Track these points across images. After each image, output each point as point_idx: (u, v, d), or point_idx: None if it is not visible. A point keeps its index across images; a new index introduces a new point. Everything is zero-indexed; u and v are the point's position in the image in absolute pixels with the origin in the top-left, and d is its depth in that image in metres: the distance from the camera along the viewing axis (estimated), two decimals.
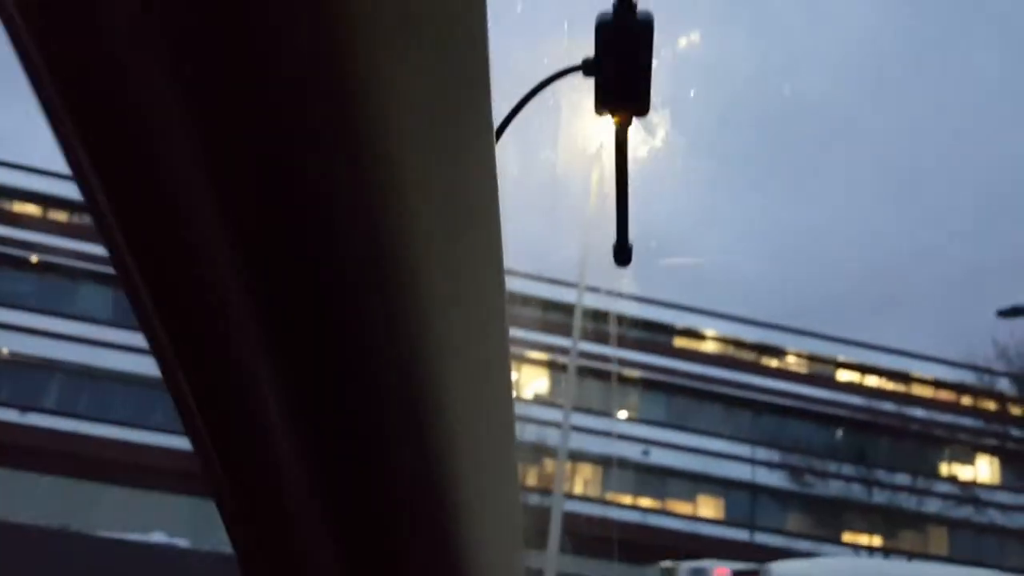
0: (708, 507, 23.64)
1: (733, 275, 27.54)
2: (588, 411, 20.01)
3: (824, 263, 28.72)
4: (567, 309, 14.60)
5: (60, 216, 20.80)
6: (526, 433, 15.79)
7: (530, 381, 21.56)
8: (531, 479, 16.73)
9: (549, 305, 17.14)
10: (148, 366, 0.41)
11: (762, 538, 22.04)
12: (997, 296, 21.38)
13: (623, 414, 23.68)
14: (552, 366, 19.86)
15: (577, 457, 18.95)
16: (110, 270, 0.39)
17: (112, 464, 17.91)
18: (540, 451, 15.68)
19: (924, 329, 27.40)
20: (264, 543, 0.48)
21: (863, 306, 28.73)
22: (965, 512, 22.39)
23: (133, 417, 19.43)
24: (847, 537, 23.01)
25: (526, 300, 17.38)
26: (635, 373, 23.21)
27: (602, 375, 21.95)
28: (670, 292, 22.83)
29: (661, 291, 22.47)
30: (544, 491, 14.21)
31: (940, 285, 27.38)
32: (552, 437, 14.48)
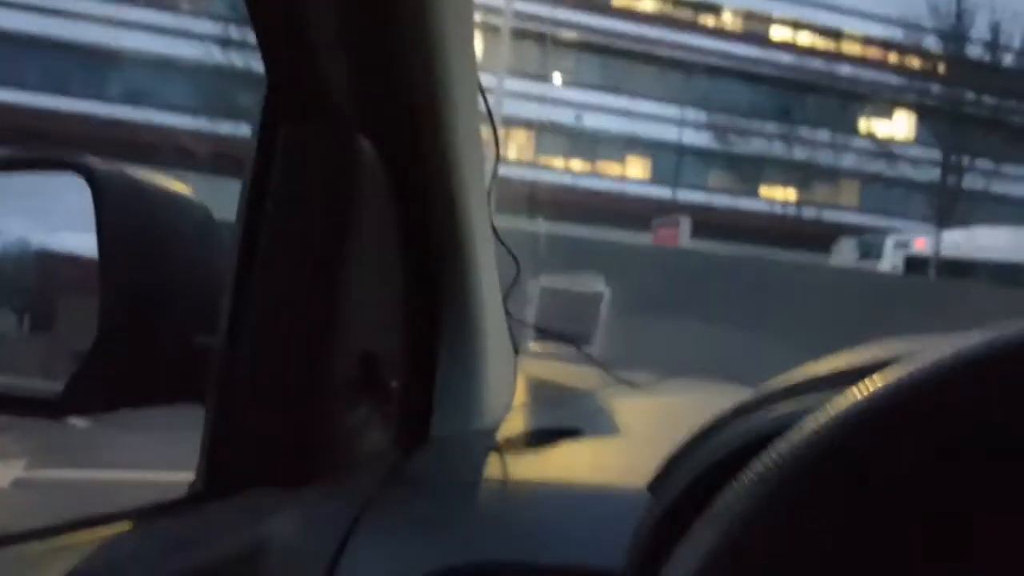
0: (636, 168, 24.53)
1: None
2: (522, 75, 19.77)
3: None
4: None
5: None
6: None
7: None
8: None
9: None
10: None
11: (684, 195, 23.26)
12: None
13: (557, 78, 23.49)
14: (485, 28, 19.19)
15: (511, 123, 19.05)
16: None
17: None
18: None
19: None
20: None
21: None
22: (879, 167, 23.72)
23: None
24: (764, 192, 24.43)
25: None
26: (571, 35, 22.66)
27: (537, 37, 21.39)
28: None
29: None
30: None
31: None
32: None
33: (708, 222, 18.83)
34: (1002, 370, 0.29)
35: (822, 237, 20.72)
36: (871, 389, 0.30)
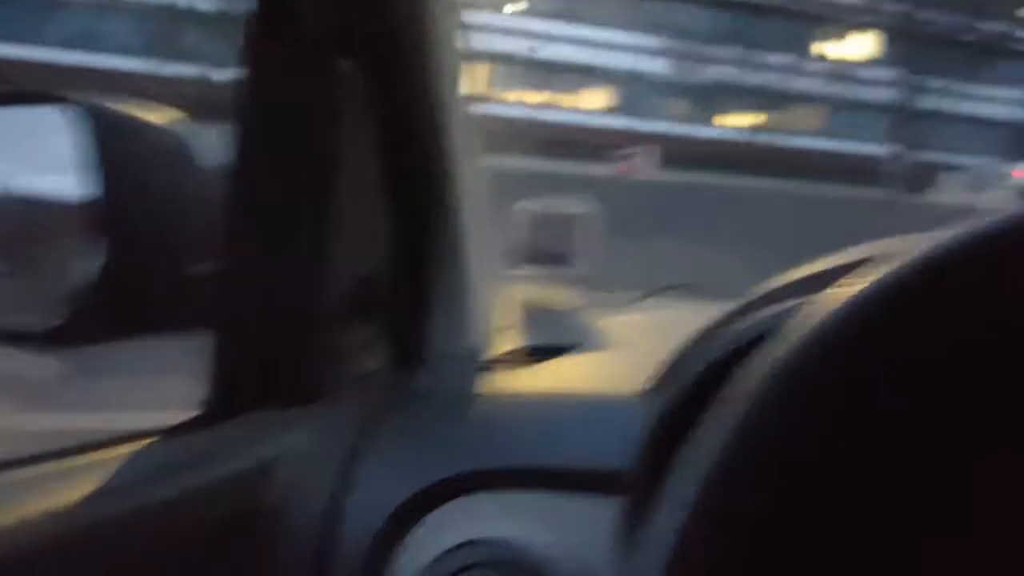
0: (594, 99, 24.34)
1: None
2: (475, 6, 19.34)
3: None
4: None
5: None
6: None
7: None
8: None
9: None
10: None
11: (645, 125, 23.17)
12: None
13: (510, 7, 23.06)
14: None
15: (465, 56, 18.72)
16: None
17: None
18: None
19: None
20: None
21: None
22: (834, 89, 23.77)
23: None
24: (730, 119, 24.43)
25: None
26: None
27: None
28: None
29: None
30: None
31: None
32: None
33: (671, 151, 18.83)
34: (997, 253, 0.30)
35: (789, 163, 20.85)
36: (882, 275, 0.31)
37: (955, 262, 0.30)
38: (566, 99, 23.92)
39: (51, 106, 0.66)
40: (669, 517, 0.28)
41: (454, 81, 0.72)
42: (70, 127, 0.63)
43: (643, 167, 16.66)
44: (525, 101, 23.09)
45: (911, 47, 21.80)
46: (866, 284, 0.31)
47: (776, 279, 0.53)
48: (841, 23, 24.15)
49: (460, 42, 0.75)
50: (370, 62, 0.63)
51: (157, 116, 0.73)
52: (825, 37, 24.76)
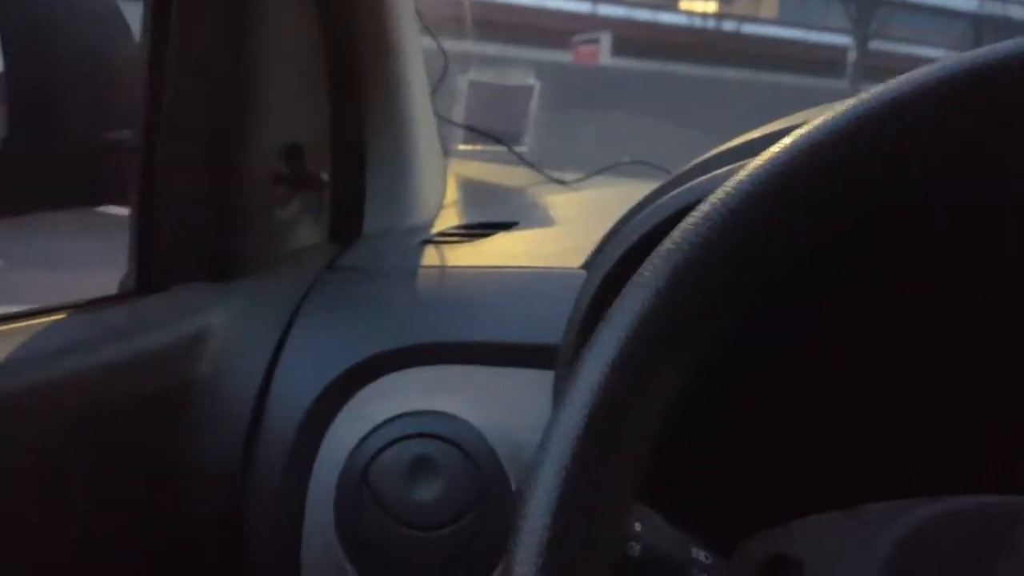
0: None
1: None
2: None
3: None
4: None
5: None
6: None
7: None
8: None
9: None
10: None
11: (604, 10, 22.62)
12: None
13: None
14: None
15: None
16: None
17: None
18: None
19: None
20: None
21: None
22: None
23: None
24: (684, 5, 23.92)
25: None
26: None
27: None
28: None
29: None
30: None
31: None
32: None
33: (630, 38, 18.46)
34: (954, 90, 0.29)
35: (743, 52, 20.61)
36: (813, 126, 0.29)
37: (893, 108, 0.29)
38: None
39: None
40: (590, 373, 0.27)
41: None
42: None
43: (599, 53, 16.35)
44: None
45: None
46: (817, 128, 0.29)
47: (719, 148, 0.52)
48: None
49: None
50: None
51: None
52: None
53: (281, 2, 0.61)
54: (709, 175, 0.46)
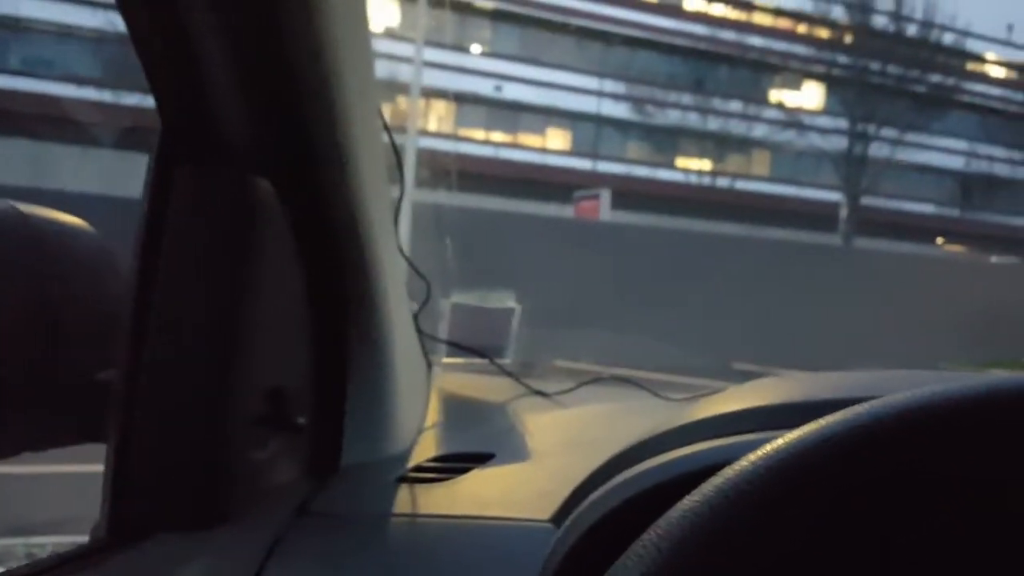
0: (556, 140, 24.60)
1: None
2: (440, 45, 19.53)
3: None
4: None
5: None
6: (378, 70, 15.41)
7: (379, 13, 20.50)
8: (385, 116, 16.62)
9: None
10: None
11: (605, 166, 23.46)
12: None
13: (476, 48, 23.30)
14: None
15: (430, 94, 18.87)
16: None
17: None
18: (393, 88, 15.46)
19: None
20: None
21: None
22: (789, 136, 24.34)
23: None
24: (680, 162, 24.83)
25: None
26: (487, 4, 22.49)
27: (454, 6, 21.12)
28: None
29: None
30: (399, 129, 14.29)
31: None
32: (404, 73, 14.26)
33: (628, 193, 19.07)
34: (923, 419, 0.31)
35: (737, 207, 21.22)
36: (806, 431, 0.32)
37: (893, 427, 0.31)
38: (530, 138, 24.13)
39: None
40: None
41: (379, 185, 0.72)
42: None
43: (599, 208, 16.82)
44: (490, 139, 23.26)
45: (862, 96, 22.44)
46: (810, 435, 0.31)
47: (701, 406, 0.54)
48: (793, 71, 24.78)
49: (384, 145, 0.75)
50: (287, 178, 0.63)
51: (60, 214, 0.72)
52: (777, 85, 25.38)
53: (270, 257, 0.64)
54: (673, 455, 0.48)
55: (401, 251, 0.80)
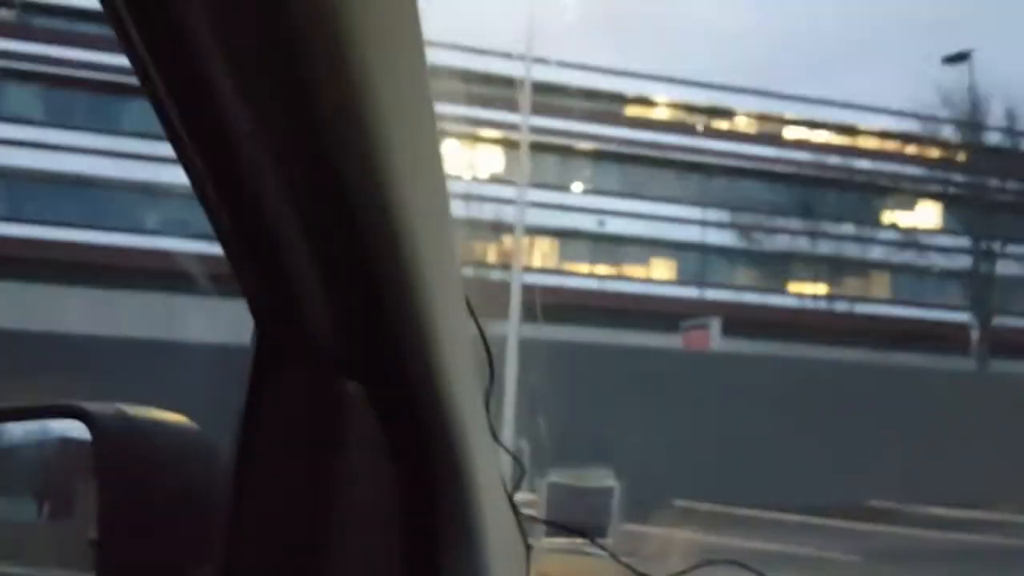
0: (661, 269, 24.62)
1: (676, 40, 26.90)
2: (543, 186, 20.17)
3: (766, 18, 28.09)
4: (516, 83, 14.33)
5: None
6: (484, 212, 15.99)
7: (484, 160, 21.50)
8: (491, 255, 17.14)
9: (497, 80, 16.73)
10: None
11: (712, 294, 23.19)
12: (943, 46, 21.37)
13: (578, 186, 23.94)
14: (506, 143, 19.72)
15: (535, 232, 19.37)
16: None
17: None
18: (499, 228, 15.97)
19: (871, 81, 27.42)
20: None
21: (809, 63, 28.47)
22: (907, 257, 23.56)
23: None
24: (792, 287, 24.29)
25: (468, 76, 16.88)
26: (588, 145, 23.21)
27: (555, 149, 21.93)
28: (616, 58, 22.38)
29: (608, 59, 22.03)
30: (504, 267, 14.65)
31: (885, 37, 27.03)
32: (509, 213, 14.73)
33: (738, 320, 18.69)
34: None
35: (858, 331, 20.42)
36: None
37: None
38: (635, 269, 24.25)
39: (66, 417, 0.69)
40: None
41: (468, 377, 0.71)
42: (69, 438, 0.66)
43: (709, 337, 16.53)
44: (595, 272, 23.50)
45: (982, 213, 21.66)
46: None
47: None
48: (906, 192, 24.25)
49: (469, 326, 0.74)
50: (375, 379, 0.62)
51: (167, 414, 0.74)
52: (893, 206, 24.83)
53: (357, 444, 0.63)
54: None
55: (493, 433, 0.78)
